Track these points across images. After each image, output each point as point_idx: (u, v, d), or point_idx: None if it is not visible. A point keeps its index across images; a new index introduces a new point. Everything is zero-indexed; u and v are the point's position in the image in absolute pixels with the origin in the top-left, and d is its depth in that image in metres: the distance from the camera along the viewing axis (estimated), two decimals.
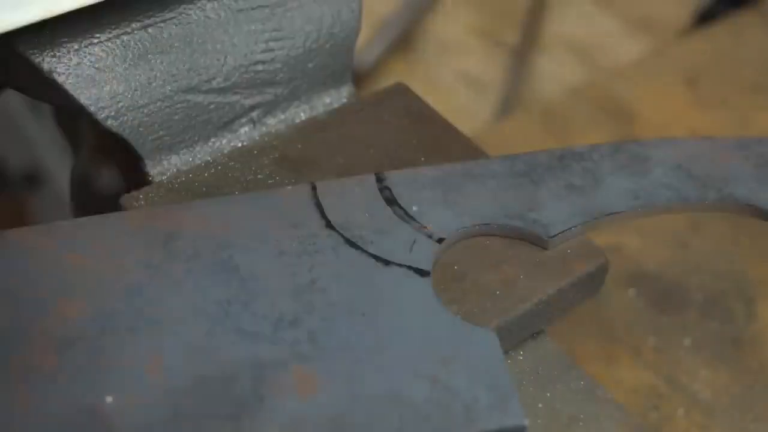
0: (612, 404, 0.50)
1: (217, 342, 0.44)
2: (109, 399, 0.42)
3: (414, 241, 0.50)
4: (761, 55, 1.07)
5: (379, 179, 0.53)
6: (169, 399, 0.42)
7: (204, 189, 0.55)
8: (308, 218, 0.50)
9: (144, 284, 0.46)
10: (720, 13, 1.19)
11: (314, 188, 0.52)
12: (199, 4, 0.56)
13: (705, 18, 1.24)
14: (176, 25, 0.56)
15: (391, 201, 0.52)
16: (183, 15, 0.56)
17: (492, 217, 0.52)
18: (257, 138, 0.59)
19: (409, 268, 0.49)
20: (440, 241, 0.50)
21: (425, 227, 0.51)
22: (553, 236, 0.51)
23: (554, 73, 1.27)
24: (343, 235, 0.50)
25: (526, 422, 0.43)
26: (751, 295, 0.80)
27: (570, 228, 0.51)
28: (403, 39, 1.34)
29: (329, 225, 0.50)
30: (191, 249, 0.48)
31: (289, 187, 0.52)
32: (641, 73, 1.05)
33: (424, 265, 0.49)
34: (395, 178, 0.53)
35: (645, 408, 0.71)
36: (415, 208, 0.52)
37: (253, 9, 0.58)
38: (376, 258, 0.49)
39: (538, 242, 0.52)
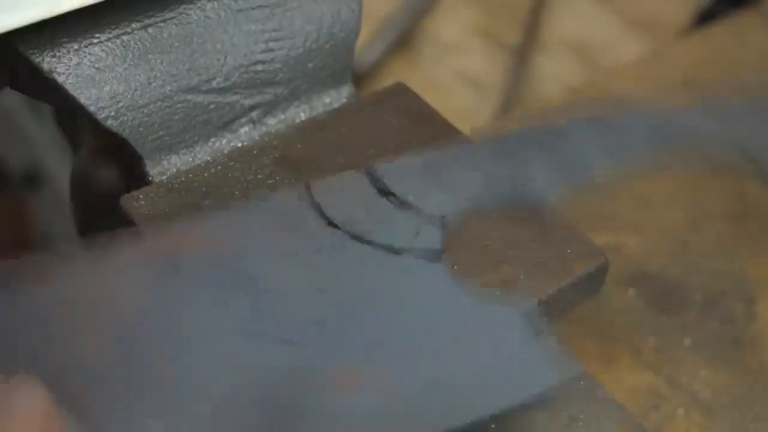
0: (612, 404, 0.50)
1: (249, 354, 0.44)
2: (152, 423, 0.41)
3: (418, 228, 0.50)
4: (761, 55, 1.07)
5: (370, 172, 0.53)
6: (213, 416, 0.41)
7: (204, 189, 0.55)
8: (309, 219, 0.50)
9: (161, 309, 0.45)
10: (720, 13, 1.19)
11: (308, 188, 0.52)
12: (199, 4, 0.56)
13: (705, 18, 1.24)
14: (176, 25, 0.56)
15: (386, 192, 0.52)
16: (183, 15, 0.56)
17: (487, 196, 0.53)
18: (257, 138, 0.59)
19: (420, 253, 0.49)
20: (444, 224, 0.51)
21: (426, 213, 0.51)
22: (547, 204, 0.53)
23: (554, 73, 1.27)
24: (347, 232, 0.50)
25: (578, 370, 0.44)
26: (751, 295, 0.80)
27: (560, 195, 0.53)
28: (403, 39, 1.34)
29: (331, 223, 0.50)
30: (201, 268, 0.47)
31: (284, 191, 0.52)
32: (641, 73, 1.05)
33: (432, 247, 0.50)
34: (385, 170, 0.53)
35: (645, 408, 0.71)
36: (411, 197, 0.52)
37: (253, 9, 0.58)
38: (386, 249, 0.49)
39: (533, 213, 0.52)
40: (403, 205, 0.52)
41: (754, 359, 0.75)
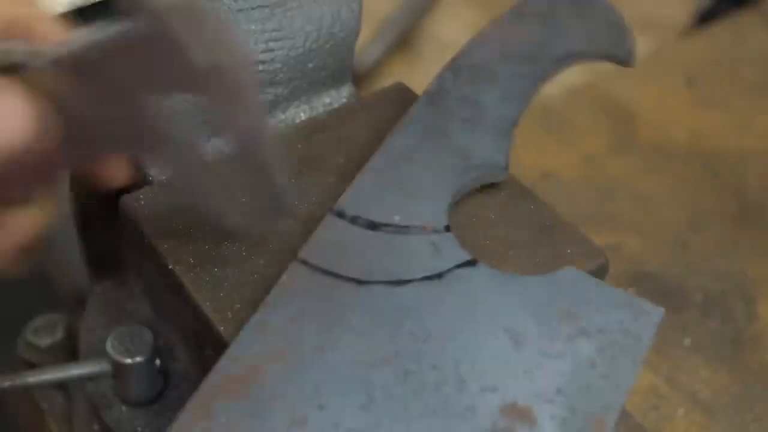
0: None
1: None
2: None
3: (433, 244, 0.50)
4: (761, 55, 1.07)
5: (341, 214, 0.51)
6: None
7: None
8: (337, 289, 0.48)
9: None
10: (720, 13, 1.19)
11: (305, 262, 0.49)
12: None
13: (705, 18, 1.24)
14: None
15: (375, 225, 0.51)
16: None
17: (455, 185, 0.53)
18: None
19: (458, 266, 0.49)
20: (448, 229, 0.51)
21: (425, 227, 0.51)
22: (505, 168, 0.54)
23: None
24: (380, 282, 0.48)
25: (662, 310, 0.47)
26: (751, 295, 0.80)
27: (507, 151, 0.55)
28: (403, 39, 1.34)
29: (360, 282, 0.48)
30: (282, 387, 0.44)
31: (284, 277, 0.48)
32: (641, 73, 1.05)
33: (463, 257, 0.49)
34: (350, 204, 0.51)
35: (645, 408, 0.71)
36: (397, 218, 0.51)
37: (253, 9, 0.58)
38: (428, 279, 0.48)
39: (499, 178, 0.55)
40: (400, 229, 0.51)
41: (754, 359, 0.75)
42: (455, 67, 0.60)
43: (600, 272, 0.52)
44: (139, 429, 0.54)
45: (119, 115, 0.44)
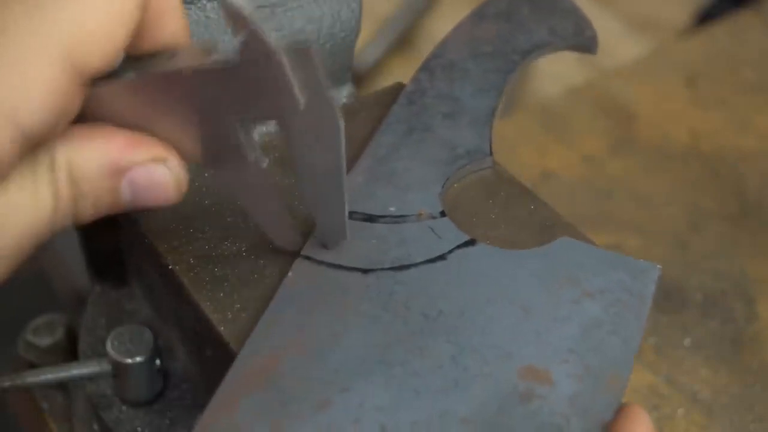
0: None
1: (443, 406, 0.43)
2: None
3: (431, 229, 0.51)
4: (761, 55, 1.07)
5: None
6: None
7: (204, 189, 0.55)
8: (344, 279, 0.48)
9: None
10: (720, 13, 1.19)
11: (308, 258, 0.50)
12: (199, 5, 0.56)
13: (705, 18, 1.25)
14: None
15: (372, 218, 0.52)
16: None
17: (444, 174, 0.54)
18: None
19: (459, 247, 0.50)
20: (443, 214, 0.51)
21: (421, 213, 0.51)
22: (491, 153, 0.55)
23: (554, 73, 1.27)
24: (385, 269, 0.49)
25: (659, 266, 0.50)
26: (751, 295, 0.80)
27: (490, 139, 0.56)
28: (403, 39, 1.34)
29: (366, 271, 0.49)
30: (303, 374, 0.44)
31: (290, 274, 0.49)
32: (641, 73, 1.05)
33: (462, 238, 0.50)
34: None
35: (645, 408, 0.71)
36: (392, 209, 0.52)
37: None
38: (431, 261, 0.49)
39: (486, 164, 0.55)
40: (397, 219, 0.51)
41: (754, 359, 0.75)
42: (428, 68, 0.61)
43: None
44: (139, 429, 0.54)
45: (200, 132, 0.44)
